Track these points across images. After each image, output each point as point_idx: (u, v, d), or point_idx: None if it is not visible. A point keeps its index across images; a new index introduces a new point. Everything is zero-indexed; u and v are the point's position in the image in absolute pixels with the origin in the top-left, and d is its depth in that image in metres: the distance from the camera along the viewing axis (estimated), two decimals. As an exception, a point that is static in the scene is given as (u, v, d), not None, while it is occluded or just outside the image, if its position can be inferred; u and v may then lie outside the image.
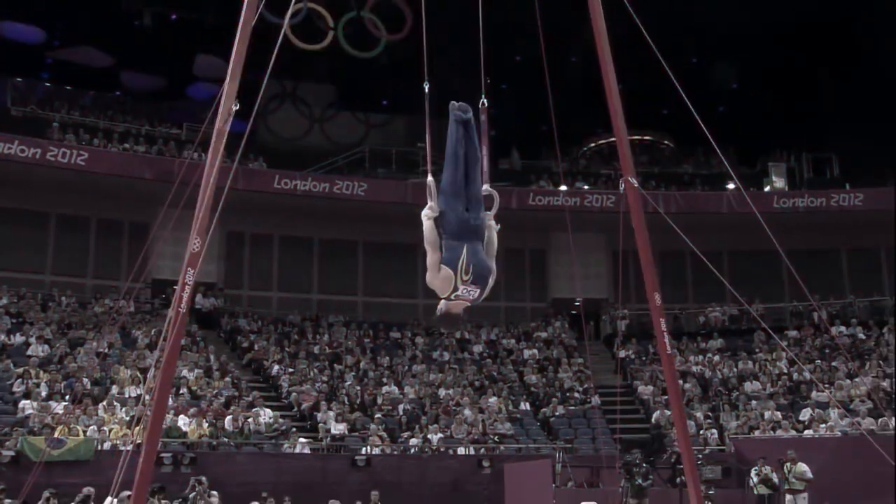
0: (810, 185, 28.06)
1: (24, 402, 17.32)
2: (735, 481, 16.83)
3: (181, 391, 18.89)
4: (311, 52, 26.34)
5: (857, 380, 20.39)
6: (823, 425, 18.95)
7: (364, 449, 18.33)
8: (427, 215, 6.11)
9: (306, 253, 26.57)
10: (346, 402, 20.15)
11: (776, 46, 27.91)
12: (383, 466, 17.94)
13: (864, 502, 15.20)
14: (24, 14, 26.66)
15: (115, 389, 18.35)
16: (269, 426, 18.53)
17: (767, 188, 28.10)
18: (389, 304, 26.14)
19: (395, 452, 18.74)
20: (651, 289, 8.51)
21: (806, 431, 18.95)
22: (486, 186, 6.37)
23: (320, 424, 19.04)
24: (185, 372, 19.54)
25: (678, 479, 15.07)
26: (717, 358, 23.11)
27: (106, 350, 19.97)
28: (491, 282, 6.14)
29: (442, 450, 18.89)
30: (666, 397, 19.18)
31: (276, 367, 21.45)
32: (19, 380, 18.08)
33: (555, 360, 23.71)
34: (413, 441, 19.05)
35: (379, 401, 20.58)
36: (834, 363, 21.69)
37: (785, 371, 21.99)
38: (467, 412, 20.16)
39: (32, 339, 19.74)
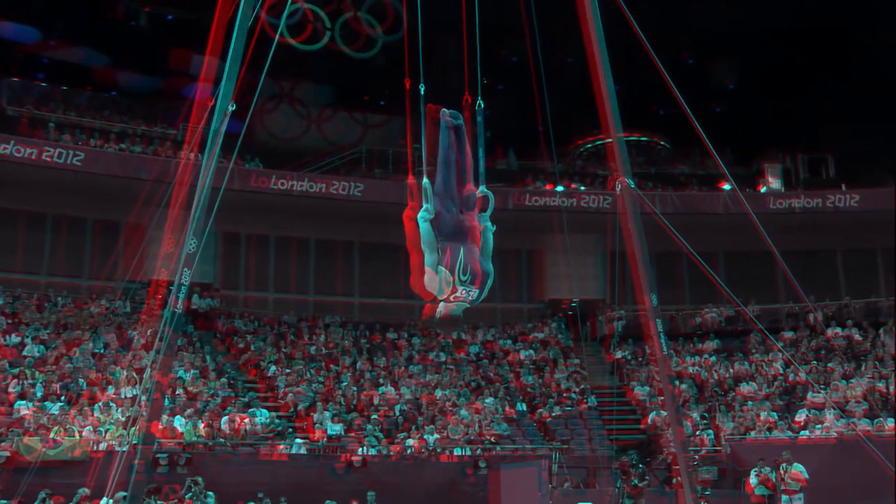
0: (806, 185, 28.11)
1: (19, 403, 17.30)
2: (730, 483, 16.84)
3: (177, 392, 18.86)
4: (308, 52, 26.34)
5: (852, 381, 20.41)
6: (819, 427, 18.97)
7: (360, 449, 18.32)
8: (424, 217, 6.11)
9: (303, 254, 26.56)
10: (342, 403, 20.14)
11: (772, 47, 27.95)
12: (379, 467, 17.94)
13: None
14: (21, 14, 26.59)
15: (110, 390, 18.32)
16: (265, 427, 18.51)
17: (763, 189, 28.12)
18: (386, 305, 26.12)
19: (391, 453, 18.74)
20: (644, 290, 8.51)
21: (801, 433, 18.96)
22: (481, 188, 6.39)
23: (316, 425, 19.03)
24: (181, 373, 19.51)
25: (673, 481, 15.08)
26: (712, 359, 23.12)
27: (102, 351, 19.94)
28: (489, 283, 6.15)
29: (438, 450, 18.89)
30: (661, 399, 19.21)
31: (272, 368, 21.44)
32: (15, 380, 18.05)
33: (550, 362, 23.72)
34: (409, 442, 19.05)
35: (375, 401, 20.58)
36: (829, 365, 21.70)
37: (780, 373, 22.00)
38: (463, 413, 20.17)
39: (28, 340, 19.72)
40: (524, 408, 21.70)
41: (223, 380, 20.22)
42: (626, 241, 8.48)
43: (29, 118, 25.09)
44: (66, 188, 23.12)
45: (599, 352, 25.31)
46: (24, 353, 19.30)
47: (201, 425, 17.79)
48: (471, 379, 22.37)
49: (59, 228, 24.23)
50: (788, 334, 23.81)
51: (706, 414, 20.47)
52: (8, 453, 15.56)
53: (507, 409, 21.21)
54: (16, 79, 27.54)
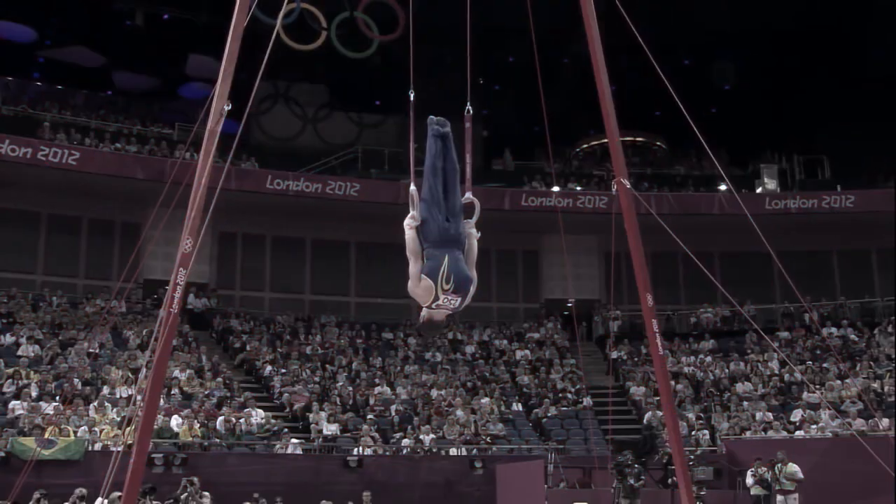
0: (802, 186, 28.14)
1: (14, 403, 17.26)
2: (727, 482, 16.86)
3: (173, 392, 18.84)
4: (304, 52, 26.32)
5: (847, 381, 20.45)
6: (814, 426, 19.01)
7: (356, 450, 18.31)
8: (409, 224, 6.13)
9: (299, 253, 26.53)
10: (339, 403, 20.12)
11: (768, 48, 27.98)
12: (375, 467, 17.93)
13: (854, 503, 15.24)
14: (16, 13, 26.54)
15: (106, 390, 18.28)
16: (261, 427, 18.49)
17: (759, 189, 28.17)
18: (382, 305, 26.10)
19: (388, 453, 18.73)
20: (643, 290, 8.51)
21: (797, 432, 18.99)
22: (467, 194, 6.39)
23: (312, 425, 19.01)
24: (176, 372, 19.48)
25: (670, 480, 15.08)
26: (708, 359, 23.17)
27: (97, 350, 19.90)
28: (472, 290, 6.15)
29: (434, 450, 18.88)
30: (658, 398, 19.22)
31: (268, 368, 21.42)
32: (10, 380, 18.01)
33: (547, 361, 23.72)
34: (405, 442, 19.03)
35: (371, 401, 20.57)
36: (825, 364, 21.76)
37: (776, 372, 22.05)
38: (459, 413, 20.15)
39: (23, 340, 19.68)
40: (521, 408, 21.69)
41: (219, 380, 20.19)
42: (628, 239, 8.48)
43: (24, 117, 25.03)
44: (61, 187, 23.08)
45: (596, 351, 25.33)
46: (19, 352, 19.26)
47: (197, 425, 17.76)
48: (467, 379, 22.37)
49: (54, 228, 24.18)
50: (784, 334, 23.87)
51: (702, 413, 20.51)
52: (3, 453, 15.54)
53: (503, 408, 21.21)
54: (11, 78, 27.49)
